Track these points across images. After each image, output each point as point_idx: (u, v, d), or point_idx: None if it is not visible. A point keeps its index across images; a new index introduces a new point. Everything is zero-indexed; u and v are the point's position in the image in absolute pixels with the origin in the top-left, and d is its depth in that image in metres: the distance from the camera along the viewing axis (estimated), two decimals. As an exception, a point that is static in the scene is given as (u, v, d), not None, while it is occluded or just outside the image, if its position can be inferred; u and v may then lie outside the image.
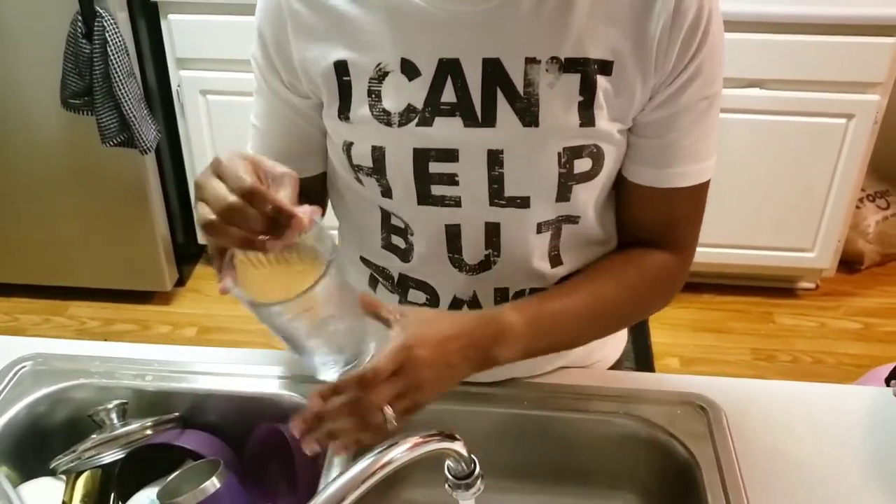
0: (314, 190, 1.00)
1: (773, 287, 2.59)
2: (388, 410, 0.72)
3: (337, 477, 0.57)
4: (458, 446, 0.64)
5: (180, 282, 2.63)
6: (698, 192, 0.90)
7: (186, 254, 2.65)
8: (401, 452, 0.60)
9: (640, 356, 2.35)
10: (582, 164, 0.85)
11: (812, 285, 2.61)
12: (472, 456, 0.66)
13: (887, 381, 1.10)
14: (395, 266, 0.96)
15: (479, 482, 0.67)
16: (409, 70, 0.82)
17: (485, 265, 0.92)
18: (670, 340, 2.42)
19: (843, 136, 2.24)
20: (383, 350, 0.73)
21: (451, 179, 0.85)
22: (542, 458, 1.01)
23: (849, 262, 2.64)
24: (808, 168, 2.30)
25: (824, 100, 2.20)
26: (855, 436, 0.98)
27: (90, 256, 2.50)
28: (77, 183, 2.37)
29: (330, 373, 0.72)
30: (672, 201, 0.90)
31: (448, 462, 0.66)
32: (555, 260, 0.93)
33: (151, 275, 2.52)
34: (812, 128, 2.24)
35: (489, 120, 0.82)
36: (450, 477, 0.67)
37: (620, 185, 0.92)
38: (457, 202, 0.87)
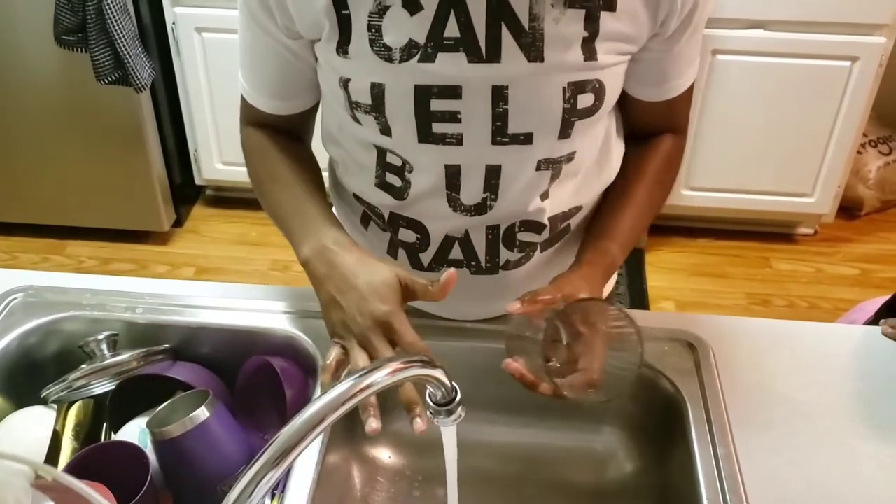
0: (305, 124, 1.00)
1: (772, 232, 2.59)
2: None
3: (318, 398, 0.57)
4: (439, 373, 0.64)
5: (178, 223, 2.63)
6: (691, 87, 0.96)
7: (184, 195, 2.65)
8: (382, 377, 0.60)
9: (636, 299, 2.36)
10: (585, 100, 0.85)
11: (810, 231, 2.61)
12: (453, 383, 0.67)
13: (876, 320, 1.10)
14: (387, 204, 0.95)
15: (459, 409, 0.68)
16: (411, 4, 0.79)
17: (481, 208, 0.91)
18: (666, 284, 2.43)
19: (846, 80, 2.22)
20: (595, 343, 0.78)
21: (453, 117, 0.84)
22: (530, 393, 1.01)
23: (848, 208, 2.64)
24: (810, 112, 2.28)
25: (828, 42, 2.17)
26: (842, 374, 0.98)
27: (87, 196, 2.50)
28: (73, 122, 2.36)
29: None
30: (672, 104, 0.95)
31: (429, 389, 0.67)
32: (544, 195, 0.93)
33: (148, 215, 2.52)
34: (815, 71, 2.21)
35: (494, 55, 0.81)
36: (431, 404, 0.68)
37: (624, 100, 0.95)
38: (458, 140, 0.86)
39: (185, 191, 2.65)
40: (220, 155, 2.51)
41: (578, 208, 0.97)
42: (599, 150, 0.95)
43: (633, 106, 0.96)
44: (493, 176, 0.88)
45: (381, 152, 0.91)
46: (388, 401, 1.03)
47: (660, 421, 0.97)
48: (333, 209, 1.07)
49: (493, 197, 0.90)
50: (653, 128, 0.99)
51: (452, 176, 0.89)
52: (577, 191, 0.96)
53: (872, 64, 2.18)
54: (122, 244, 2.58)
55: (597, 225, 0.98)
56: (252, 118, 0.98)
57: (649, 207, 0.98)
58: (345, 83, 0.85)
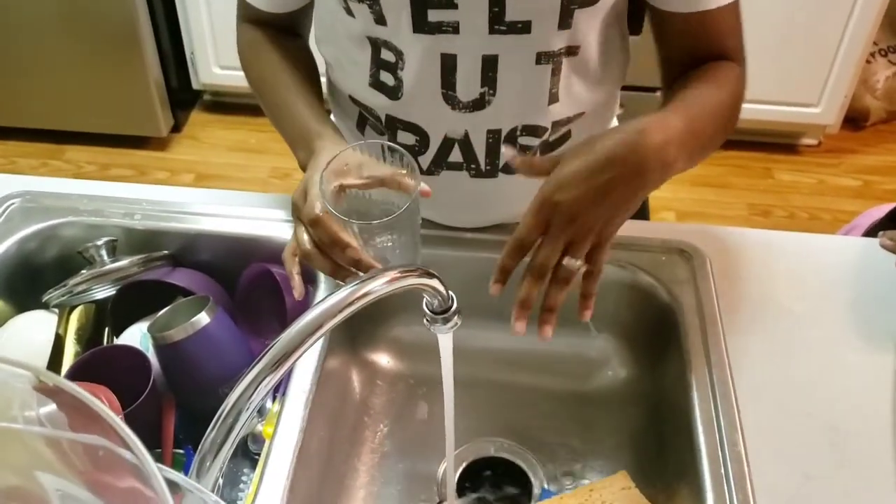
0: (301, 22, 0.99)
1: (775, 143, 2.56)
2: (568, 260, 0.72)
3: (316, 305, 0.58)
4: (435, 283, 0.64)
5: (176, 128, 2.61)
6: (734, 6, 0.88)
7: (182, 99, 2.61)
8: (379, 285, 0.60)
9: (637, 210, 2.35)
10: None
11: (815, 142, 2.58)
12: (450, 292, 0.67)
13: (875, 231, 1.10)
14: (382, 105, 0.94)
15: (455, 317, 0.68)
16: None
17: (479, 104, 0.89)
18: (668, 194, 2.42)
19: (859, -15, 2.16)
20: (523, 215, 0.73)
21: (449, 2, 0.82)
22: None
23: (854, 119, 2.60)
24: (820, 19, 2.23)
25: (842, -56, 2.10)
26: (838, 285, 0.99)
27: (85, 100, 2.47)
28: (68, 24, 2.31)
29: None
30: (711, 23, 0.87)
31: (426, 297, 0.67)
32: (552, 97, 0.91)
33: (146, 120, 2.49)
34: (827, -25, 2.15)
35: None
36: (427, 312, 0.68)
37: (656, 21, 0.90)
38: (455, 28, 0.84)
39: (183, 96, 2.62)
40: (217, 58, 2.47)
41: (581, 114, 0.96)
42: (604, 49, 0.92)
43: (667, 26, 0.89)
44: (490, 68, 0.86)
45: (376, 48, 0.89)
46: (387, 307, 1.04)
47: (654, 329, 0.98)
48: (331, 115, 1.06)
49: (491, 92, 0.88)
50: (698, 56, 0.89)
51: (448, 69, 0.87)
52: (581, 94, 0.94)
53: (887, -32, 2.12)
54: (121, 149, 2.56)
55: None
56: (248, 16, 0.98)
57: (717, 120, 0.86)
58: None
